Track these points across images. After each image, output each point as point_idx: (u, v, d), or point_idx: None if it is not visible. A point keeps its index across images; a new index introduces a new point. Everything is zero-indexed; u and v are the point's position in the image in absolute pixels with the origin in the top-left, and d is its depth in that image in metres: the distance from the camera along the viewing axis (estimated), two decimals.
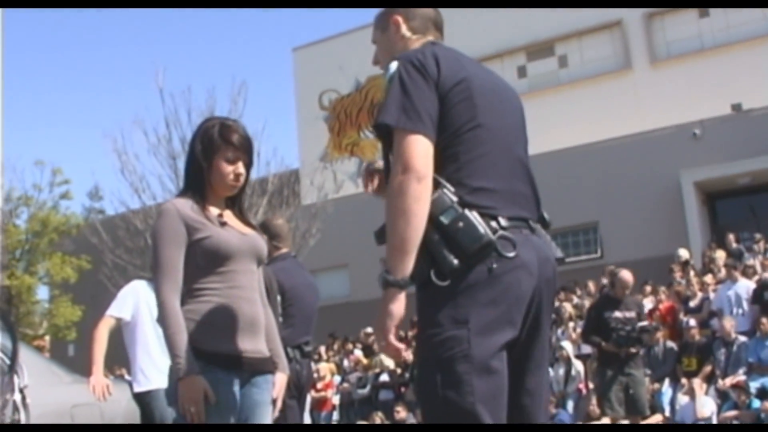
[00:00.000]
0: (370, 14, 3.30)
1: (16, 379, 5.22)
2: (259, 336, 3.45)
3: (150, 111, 33.12)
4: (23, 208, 32.78)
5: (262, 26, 56.98)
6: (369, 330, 19.40)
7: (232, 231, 3.42)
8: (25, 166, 37.63)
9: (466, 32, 22.02)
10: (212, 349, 3.25)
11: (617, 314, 9.57)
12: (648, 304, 14.39)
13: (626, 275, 9.77)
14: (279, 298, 5.66)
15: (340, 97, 29.01)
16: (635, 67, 24.80)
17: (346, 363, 19.21)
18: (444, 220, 2.65)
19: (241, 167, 3.48)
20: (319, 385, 17.17)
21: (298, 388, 5.80)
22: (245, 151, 3.50)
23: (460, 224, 2.64)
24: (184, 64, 55.11)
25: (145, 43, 56.71)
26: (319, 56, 29.27)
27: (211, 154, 3.44)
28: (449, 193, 2.69)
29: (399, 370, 16.35)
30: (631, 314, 9.63)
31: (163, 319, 3.23)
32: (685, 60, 24.08)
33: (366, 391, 16.75)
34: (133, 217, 23.52)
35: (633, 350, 9.56)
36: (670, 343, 13.37)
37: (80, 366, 7.85)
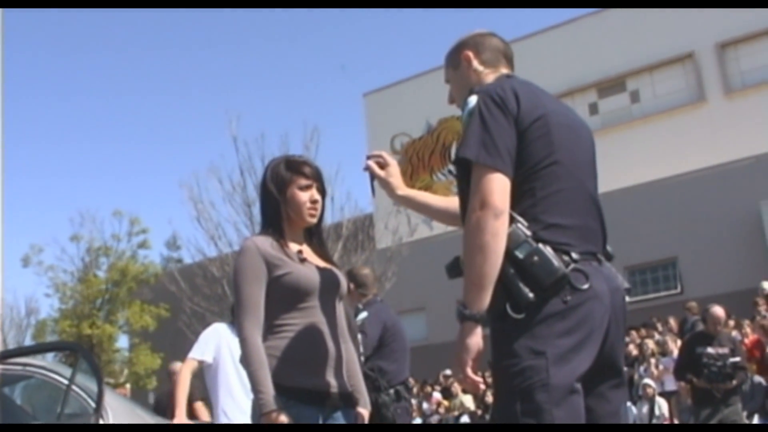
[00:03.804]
0: (439, 57, 3.35)
1: (101, 421, 5.33)
2: (341, 371, 3.45)
3: (224, 159, 33.86)
4: (103, 258, 33.45)
5: (332, 72, 57.70)
6: (448, 372, 19.35)
7: (312, 267, 3.44)
8: (104, 217, 38.40)
9: (536, 70, 21.94)
10: (294, 385, 3.26)
11: (710, 350, 9.42)
12: None
13: (717, 311, 9.64)
14: (379, 335, 5.99)
15: (411, 141, 29.10)
16: (709, 98, 24.50)
17: (425, 405, 19.15)
18: (519, 254, 2.67)
19: (315, 194, 3.51)
20: None
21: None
22: (316, 178, 3.54)
23: (535, 258, 2.66)
24: (256, 111, 55.96)
25: (218, 92, 57.72)
26: (389, 100, 29.49)
27: (284, 187, 3.49)
28: (523, 228, 2.71)
29: (480, 412, 16.24)
30: (725, 350, 9.45)
31: (245, 356, 3.25)
32: (760, 89, 23.77)
33: None
34: (210, 264, 23.81)
35: (727, 385, 9.34)
36: (758, 378, 13.06)
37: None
